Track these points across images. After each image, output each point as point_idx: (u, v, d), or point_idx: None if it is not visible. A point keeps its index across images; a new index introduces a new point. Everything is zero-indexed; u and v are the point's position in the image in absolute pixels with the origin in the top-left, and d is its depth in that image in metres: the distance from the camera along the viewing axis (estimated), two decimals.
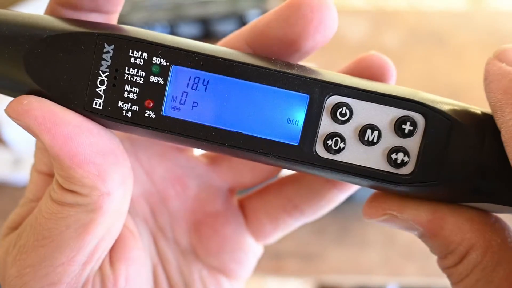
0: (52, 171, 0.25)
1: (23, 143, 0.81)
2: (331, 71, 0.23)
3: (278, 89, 0.21)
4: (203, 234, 0.30)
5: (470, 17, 1.05)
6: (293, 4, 0.23)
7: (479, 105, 0.23)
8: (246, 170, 0.30)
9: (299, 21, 0.23)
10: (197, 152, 0.32)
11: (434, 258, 0.24)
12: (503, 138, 0.20)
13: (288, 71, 0.22)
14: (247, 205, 0.31)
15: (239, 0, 0.94)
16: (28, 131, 0.21)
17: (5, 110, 0.21)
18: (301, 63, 0.25)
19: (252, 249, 0.31)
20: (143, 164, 0.29)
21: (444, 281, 0.81)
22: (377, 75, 0.26)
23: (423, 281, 0.71)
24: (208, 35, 0.96)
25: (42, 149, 0.26)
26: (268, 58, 0.23)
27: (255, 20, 0.25)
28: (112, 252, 0.26)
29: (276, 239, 0.31)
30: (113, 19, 0.24)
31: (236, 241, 0.30)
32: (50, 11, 0.23)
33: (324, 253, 0.72)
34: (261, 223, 0.30)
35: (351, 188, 0.29)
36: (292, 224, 0.30)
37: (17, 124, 0.21)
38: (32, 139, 0.22)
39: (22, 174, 0.79)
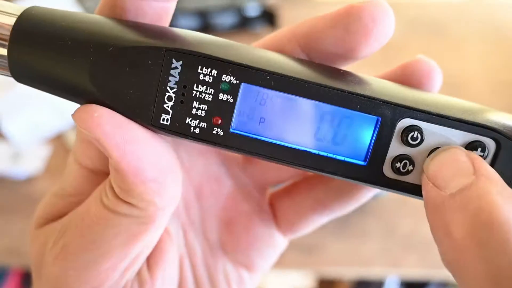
0: (97, 167, 0.25)
1: (23, 136, 0.81)
2: (400, 87, 0.23)
3: (350, 110, 0.21)
4: (233, 231, 0.30)
5: (469, 8, 1.05)
6: (353, 12, 0.22)
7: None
8: (283, 168, 0.30)
9: (360, 29, 0.22)
10: None
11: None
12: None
13: (361, 92, 0.21)
14: (276, 204, 0.31)
15: None
16: (95, 143, 0.20)
17: (73, 118, 0.20)
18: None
19: (279, 244, 0.31)
20: (183, 162, 0.29)
21: (444, 272, 0.81)
22: (424, 81, 0.25)
23: (423, 272, 0.71)
24: (206, 28, 0.95)
25: (87, 143, 0.24)
26: (337, 73, 0.22)
27: (308, 25, 0.24)
28: (149, 255, 0.26)
29: (304, 234, 0.31)
30: (172, 8, 0.23)
31: (265, 239, 0.30)
32: None
33: (324, 245, 0.72)
34: (290, 221, 0.30)
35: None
36: (320, 221, 0.30)
37: (85, 134, 0.20)
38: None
39: (21, 167, 0.79)
